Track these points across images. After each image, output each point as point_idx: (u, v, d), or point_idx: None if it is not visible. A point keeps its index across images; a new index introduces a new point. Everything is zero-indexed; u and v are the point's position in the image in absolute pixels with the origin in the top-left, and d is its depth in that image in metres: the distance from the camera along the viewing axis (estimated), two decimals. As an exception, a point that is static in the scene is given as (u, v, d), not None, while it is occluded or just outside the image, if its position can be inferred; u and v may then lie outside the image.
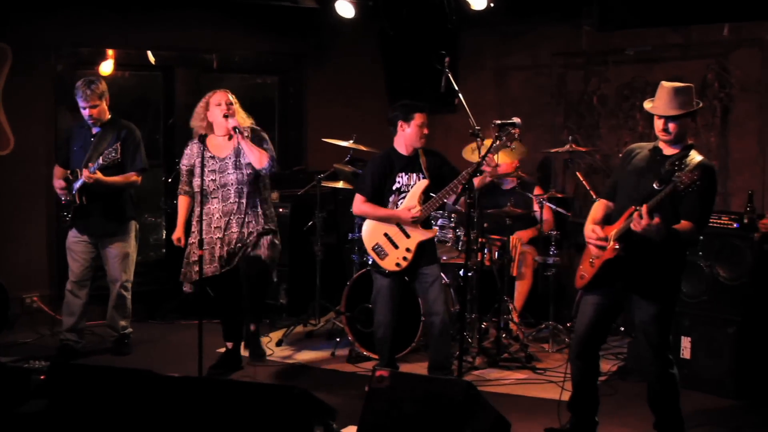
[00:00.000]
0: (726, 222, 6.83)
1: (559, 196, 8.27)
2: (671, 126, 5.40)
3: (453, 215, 7.80)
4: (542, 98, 9.63)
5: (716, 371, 6.76)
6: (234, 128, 6.76)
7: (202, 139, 6.61)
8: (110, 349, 7.87)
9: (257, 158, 6.80)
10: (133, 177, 7.60)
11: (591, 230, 5.55)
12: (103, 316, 7.96)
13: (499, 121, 6.54)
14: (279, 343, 8.22)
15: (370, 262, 7.07)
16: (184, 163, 7.14)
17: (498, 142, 6.51)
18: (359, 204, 6.87)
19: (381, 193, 6.83)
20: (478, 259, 7.65)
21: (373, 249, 6.84)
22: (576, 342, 5.75)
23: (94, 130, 7.59)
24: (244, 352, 7.44)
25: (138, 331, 8.23)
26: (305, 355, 7.97)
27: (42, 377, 6.16)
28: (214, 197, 6.94)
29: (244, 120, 7.01)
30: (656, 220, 5.06)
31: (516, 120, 6.52)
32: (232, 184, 6.91)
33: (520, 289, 8.42)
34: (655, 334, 5.47)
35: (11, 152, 8.21)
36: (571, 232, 9.26)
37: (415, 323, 7.37)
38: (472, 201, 6.49)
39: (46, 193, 8.32)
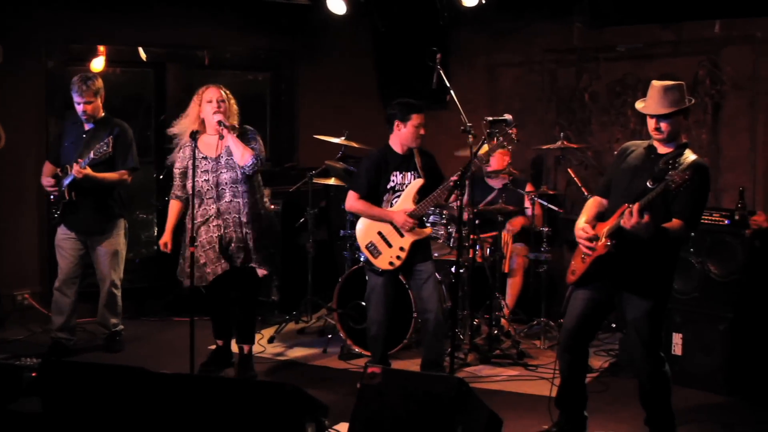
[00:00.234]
0: (717, 219, 6.84)
1: (551, 192, 8.27)
2: (663, 125, 5.39)
3: (445, 212, 7.80)
4: (534, 95, 9.63)
5: (707, 368, 6.77)
6: (218, 122, 6.65)
7: (194, 136, 6.51)
8: (102, 347, 7.86)
9: (240, 154, 6.64)
10: (124, 175, 7.57)
11: (581, 229, 5.55)
12: (94, 313, 7.94)
13: (490, 118, 6.54)
14: (271, 340, 8.22)
15: (363, 260, 7.06)
16: (177, 166, 6.98)
17: (494, 141, 6.51)
18: (353, 201, 6.86)
19: (376, 191, 6.82)
20: (470, 256, 7.65)
21: (367, 247, 6.83)
22: (565, 335, 5.74)
23: (87, 127, 7.57)
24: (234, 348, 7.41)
25: (130, 328, 8.22)
26: (297, 352, 7.97)
27: (33, 375, 6.17)
28: (209, 197, 6.79)
29: (234, 120, 6.85)
30: (646, 218, 5.07)
31: (507, 117, 6.52)
32: (226, 183, 6.76)
33: (512, 286, 8.43)
34: (647, 331, 5.47)
35: (2, 149, 8.17)
36: (563, 229, 9.27)
37: (407, 320, 7.38)
38: (464, 198, 6.48)
39: (37, 190, 8.30)
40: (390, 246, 6.77)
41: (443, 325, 6.87)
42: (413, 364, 7.17)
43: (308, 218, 8.74)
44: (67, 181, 7.38)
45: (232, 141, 6.67)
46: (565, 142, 8.20)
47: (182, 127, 6.86)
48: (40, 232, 8.79)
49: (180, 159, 6.94)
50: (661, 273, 5.47)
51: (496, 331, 7.83)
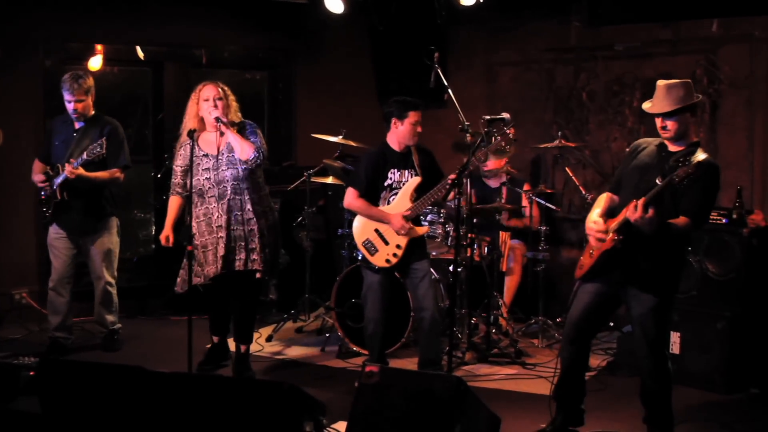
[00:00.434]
0: (715, 217, 6.85)
1: (548, 191, 8.27)
2: (669, 123, 5.36)
3: (442, 211, 7.80)
4: (531, 94, 9.63)
5: (705, 366, 6.77)
6: (216, 118, 6.60)
7: (191, 134, 6.49)
8: (100, 346, 7.85)
9: (241, 149, 6.59)
10: (116, 173, 7.53)
11: (593, 222, 5.53)
12: (91, 312, 7.92)
13: (488, 117, 6.54)
14: (269, 339, 8.22)
15: (360, 258, 7.05)
16: (178, 164, 6.91)
17: (492, 141, 6.51)
18: (352, 199, 6.84)
19: (374, 189, 6.82)
20: (468, 255, 7.64)
21: (363, 245, 6.83)
22: (569, 327, 5.77)
23: (77, 125, 7.53)
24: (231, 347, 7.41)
25: (127, 327, 8.22)
26: (295, 351, 7.97)
27: (31, 374, 6.17)
28: (211, 196, 6.73)
29: (234, 116, 6.81)
30: (650, 212, 5.07)
31: (505, 115, 6.52)
32: (227, 180, 6.69)
33: (510, 285, 8.43)
34: (652, 328, 5.47)
35: (0, 147, 8.17)
36: (561, 228, 9.28)
37: (405, 319, 7.38)
38: (462, 197, 6.49)
39: (34, 189, 8.28)
40: (387, 243, 6.77)
41: (440, 324, 6.87)
42: (411, 363, 7.17)
43: (306, 217, 8.74)
44: (58, 181, 7.35)
45: (232, 137, 6.63)
46: (562, 141, 8.21)
47: (184, 126, 6.82)
48: (37, 230, 8.78)
49: (181, 157, 6.87)
50: (667, 270, 5.47)
51: (493, 330, 7.83)
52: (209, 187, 6.72)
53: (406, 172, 6.83)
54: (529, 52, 9.64)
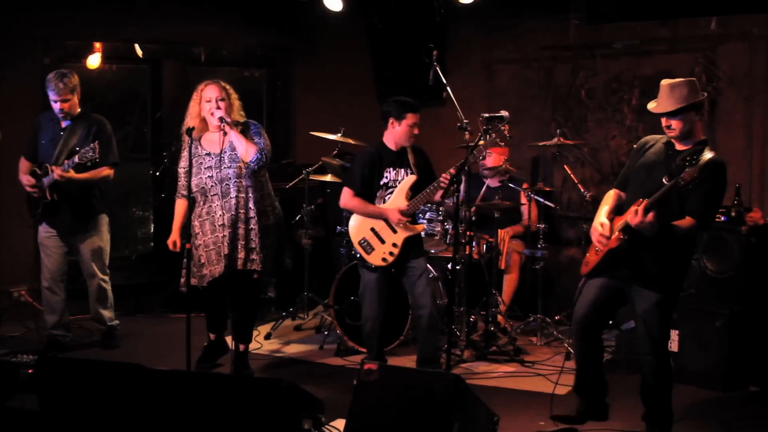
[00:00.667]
0: (713, 215, 6.85)
1: (547, 189, 8.27)
2: (673, 123, 5.36)
3: (441, 209, 7.80)
4: (530, 91, 9.63)
5: (704, 364, 6.78)
6: (220, 118, 6.56)
7: (189, 132, 6.47)
8: (98, 343, 7.85)
9: (244, 150, 6.55)
10: (105, 171, 7.48)
11: (600, 224, 5.55)
12: (88, 309, 7.90)
13: (486, 114, 6.54)
14: (267, 337, 8.22)
15: (357, 257, 7.05)
16: (182, 165, 6.83)
17: (487, 137, 6.52)
18: (348, 198, 6.85)
19: (370, 188, 6.82)
20: (467, 253, 7.64)
21: (360, 244, 6.83)
22: (576, 323, 5.79)
23: (64, 124, 7.48)
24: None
25: (126, 325, 8.22)
26: (294, 349, 7.97)
27: (30, 371, 6.16)
28: (214, 194, 6.67)
29: (237, 115, 6.75)
30: (649, 217, 5.11)
31: (504, 113, 6.53)
32: (230, 178, 6.63)
33: (508, 283, 8.44)
34: (656, 324, 5.48)
35: (-2, 145, 8.18)
36: (559, 226, 9.28)
37: (404, 316, 7.38)
38: (460, 194, 6.49)
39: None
40: (383, 242, 6.77)
41: (437, 321, 6.88)
42: (410, 361, 7.17)
43: (305, 215, 8.73)
44: (47, 182, 7.31)
45: (235, 137, 6.58)
46: (561, 139, 8.20)
47: (185, 126, 6.73)
48: (35, 228, 8.77)
49: (184, 158, 6.78)
50: (672, 268, 5.48)
51: (492, 328, 7.83)
52: (212, 185, 6.68)
53: (402, 170, 6.83)
54: (528, 50, 9.64)
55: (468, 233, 7.58)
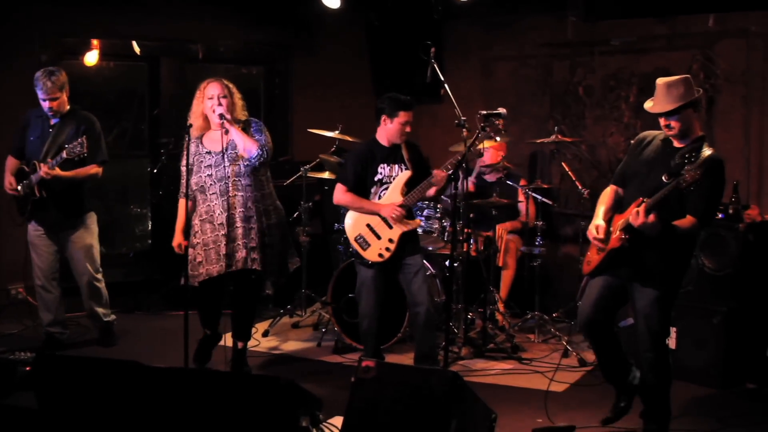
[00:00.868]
0: (711, 213, 6.85)
1: (545, 186, 8.28)
2: (672, 122, 5.37)
3: (439, 206, 7.81)
4: (528, 89, 9.63)
5: (701, 361, 6.79)
6: (220, 115, 6.53)
7: (188, 130, 6.45)
8: (96, 340, 7.84)
9: (243, 146, 6.52)
10: (93, 169, 7.45)
11: (596, 227, 5.58)
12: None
13: (484, 112, 6.54)
14: (265, 334, 8.22)
15: (353, 253, 7.03)
16: (184, 164, 6.75)
17: (482, 134, 6.52)
18: (340, 193, 6.84)
19: (363, 183, 6.81)
20: (464, 250, 7.65)
21: (356, 240, 6.83)
22: (582, 325, 5.80)
23: (53, 121, 7.45)
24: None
25: (124, 322, 8.21)
26: (291, 346, 7.97)
27: (27, 369, 6.17)
28: (213, 193, 6.64)
29: (239, 114, 6.73)
30: (651, 218, 5.13)
31: (501, 110, 6.52)
32: (229, 177, 6.60)
33: (506, 280, 8.44)
34: (656, 320, 5.50)
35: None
36: (557, 223, 9.29)
37: (401, 314, 7.38)
38: (457, 191, 6.49)
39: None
40: (379, 238, 6.76)
41: (434, 318, 6.87)
42: (408, 358, 7.18)
43: (302, 212, 8.73)
44: (35, 179, 7.28)
45: (236, 134, 6.55)
46: (559, 136, 8.20)
47: (192, 121, 6.71)
48: (25, 227, 8.76)
49: (185, 156, 6.71)
50: (672, 265, 5.50)
51: (490, 325, 7.84)
52: (211, 184, 6.65)
53: (396, 166, 6.82)
54: (526, 47, 9.64)
55: (466, 230, 7.58)
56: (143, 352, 7.37)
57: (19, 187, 7.42)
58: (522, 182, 8.56)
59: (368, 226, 6.79)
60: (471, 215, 7.83)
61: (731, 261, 6.76)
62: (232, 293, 6.87)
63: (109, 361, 5.13)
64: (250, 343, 7.35)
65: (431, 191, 6.72)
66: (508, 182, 8.45)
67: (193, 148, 6.61)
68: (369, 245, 6.77)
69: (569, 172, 8.39)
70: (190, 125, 6.51)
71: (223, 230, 6.60)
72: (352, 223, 6.87)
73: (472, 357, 7.53)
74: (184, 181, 6.80)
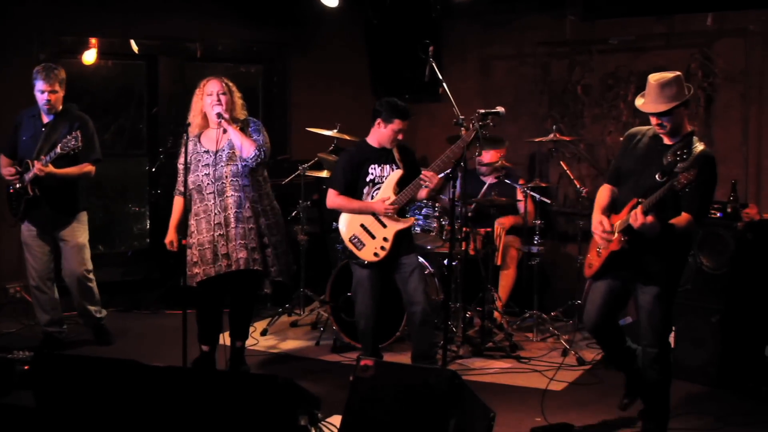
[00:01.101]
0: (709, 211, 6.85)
1: (543, 185, 8.28)
2: (665, 121, 5.41)
3: (437, 205, 7.80)
4: (526, 87, 9.62)
5: (700, 360, 6.79)
6: (218, 114, 6.53)
7: (186, 129, 6.44)
8: (94, 340, 7.82)
9: (242, 147, 6.50)
10: (86, 168, 7.45)
11: (598, 222, 5.61)
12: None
13: (482, 111, 6.54)
14: (263, 333, 8.22)
15: (348, 254, 7.00)
16: (180, 161, 6.75)
17: (470, 127, 6.51)
18: (332, 197, 6.83)
19: (354, 186, 6.79)
20: (463, 249, 7.65)
21: (350, 240, 6.81)
22: (589, 329, 5.91)
23: (46, 119, 7.44)
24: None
25: (122, 321, 8.22)
26: (290, 345, 7.97)
27: (26, 368, 6.16)
28: (210, 192, 6.61)
29: (239, 113, 6.73)
30: (649, 218, 5.19)
31: (500, 109, 6.52)
32: (226, 176, 6.58)
33: (505, 279, 8.44)
34: (659, 316, 5.54)
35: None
36: (555, 222, 9.29)
37: (400, 313, 7.37)
38: (456, 191, 6.49)
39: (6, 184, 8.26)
40: (373, 237, 6.75)
41: (431, 317, 6.87)
42: (406, 357, 7.17)
43: (300, 211, 8.73)
44: (28, 177, 7.29)
45: (233, 133, 6.53)
46: (557, 135, 8.20)
47: (190, 121, 6.70)
48: (18, 227, 8.75)
49: (183, 154, 6.70)
50: (672, 262, 5.55)
51: (488, 324, 7.83)
52: (208, 183, 6.62)
53: (387, 166, 6.80)
54: (524, 46, 9.64)
55: (464, 229, 7.58)
56: (141, 351, 7.37)
57: (17, 183, 7.41)
58: (520, 181, 8.55)
59: (362, 226, 6.77)
60: (469, 214, 7.82)
61: (730, 260, 6.76)
62: (231, 293, 6.86)
63: (108, 360, 5.13)
64: (249, 342, 7.36)
65: (423, 192, 6.70)
66: (506, 181, 8.45)
67: (191, 146, 6.60)
68: (364, 245, 6.76)
69: (568, 171, 8.39)
70: (189, 124, 6.50)
71: (219, 230, 6.59)
72: (346, 225, 6.85)
73: (470, 356, 7.53)
74: (181, 179, 6.76)
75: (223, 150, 6.61)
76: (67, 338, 7.76)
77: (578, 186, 8.20)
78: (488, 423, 4.99)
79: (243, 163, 6.59)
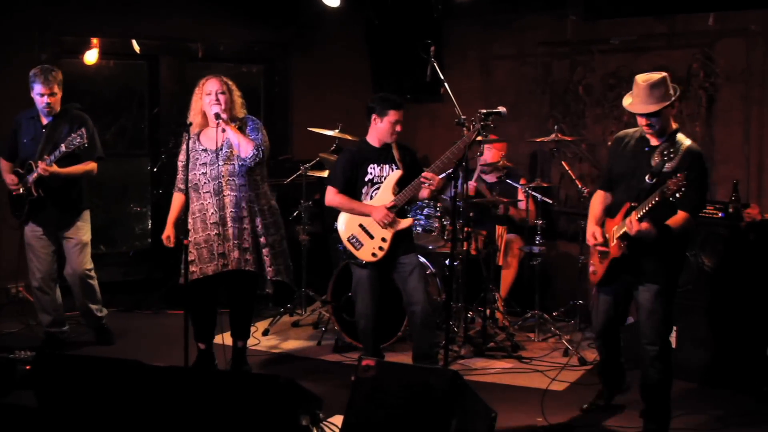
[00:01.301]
0: (711, 211, 6.85)
1: (545, 185, 8.28)
2: (654, 121, 5.51)
3: (439, 205, 7.80)
4: (527, 87, 9.62)
5: (701, 360, 6.78)
6: (215, 114, 6.50)
7: (187, 128, 6.44)
8: (95, 340, 7.82)
9: (240, 146, 6.49)
10: (89, 166, 7.46)
11: (591, 234, 5.76)
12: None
13: (484, 111, 6.54)
14: (265, 333, 8.22)
15: (347, 254, 6.99)
16: (180, 158, 6.76)
17: (471, 128, 6.52)
18: (331, 196, 6.82)
19: (353, 185, 6.79)
20: (464, 248, 7.65)
21: (349, 240, 6.80)
22: (597, 335, 6.15)
23: (45, 121, 7.44)
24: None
25: (124, 321, 8.21)
26: (291, 345, 7.97)
27: (27, 368, 6.16)
28: (206, 191, 6.62)
29: (238, 112, 6.71)
30: (644, 225, 5.31)
31: (501, 109, 6.52)
32: (223, 176, 6.58)
33: (506, 279, 8.44)
34: (659, 314, 5.61)
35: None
36: (557, 222, 9.28)
37: (401, 313, 7.36)
38: (457, 190, 6.49)
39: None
40: (372, 237, 6.74)
41: (431, 316, 6.86)
42: (408, 357, 7.15)
43: (302, 211, 8.73)
44: (31, 178, 7.28)
45: (231, 133, 6.52)
46: (559, 135, 8.19)
47: (190, 120, 6.69)
48: (21, 229, 8.74)
49: (183, 152, 6.71)
50: (671, 260, 5.62)
51: (490, 323, 7.83)
52: (204, 182, 6.62)
53: (386, 166, 6.79)
54: (525, 46, 9.64)
55: (465, 229, 7.58)
56: (143, 351, 7.37)
57: (20, 188, 7.41)
58: (522, 181, 8.55)
59: (361, 226, 6.76)
60: (471, 214, 7.82)
61: (731, 260, 6.75)
62: (229, 293, 6.87)
63: (109, 360, 5.14)
64: (250, 341, 7.36)
65: (424, 193, 6.70)
66: (508, 181, 8.46)
67: (190, 144, 6.59)
68: (362, 245, 6.75)
69: (569, 171, 8.39)
70: (191, 123, 6.49)
71: (215, 229, 6.60)
72: (345, 224, 6.84)
73: (472, 356, 7.52)
74: (180, 176, 6.79)
75: (222, 149, 6.61)
76: (68, 338, 7.76)
77: (580, 186, 8.20)
78: (490, 423, 4.99)
79: (241, 163, 6.58)
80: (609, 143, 8.53)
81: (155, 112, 9.84)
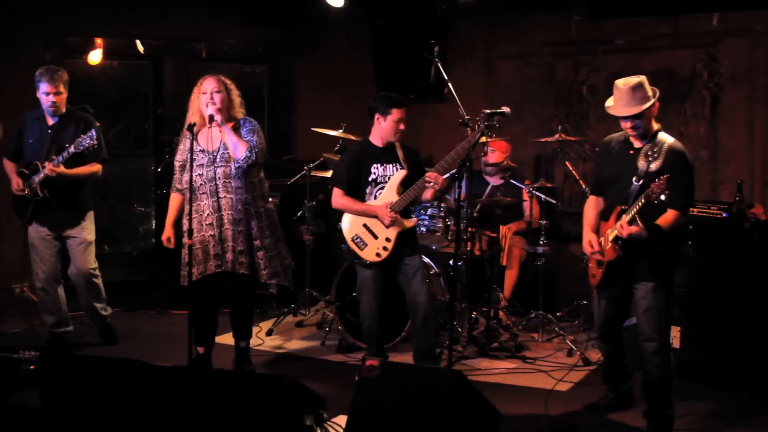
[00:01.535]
0: (715, 212, 6.85)
1: (549, 185, 8.27)
2: (638, 123, 5.61)
3: (443, 205, 7.80)
4: (531, 88, 9.62)
5: (706, 360, 6.77)
6: (209, 116, 6.47)
7: (191, 128, 6.43)
8: (100, 340, 7.83)
9: (234, 148, 6.46)
10: (95, 167, 7.48)
11: (588, 242, 5.85)
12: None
13: (488, 111, 6.54)
14: (269, 333, 8.22)
15: (352, 254, 6.99)
16: (178, 158, 6.79)
17: (476, 127, 6.52)
18: (338, 198, 6.82)
19: (357, 186, 6.79)
20: (468, 249, 7.64)
21: (353, 240, 6.79)
22: (599, 337, 6.17)
23: (51, 122, 7.45)
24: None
25: (128, 321, 8.22)
26: (295, 345, 7.97)
27: (32, 368, 6.17)
28: (203, 193, 6.60)
29: (237, 112, 6.71)
30: (635, 228, 5.42)
31: (505, 109, 6.51)
32: (219, 178, 6.56)
33: (510, 279, 8.43)
34: (655, 311, 5.64)
35: (0, 140, 8.16)
36: (561, 222, 9.28)
37: (405, 313, 7.34)
38: (462, 191, 6.48)
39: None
40: (376, 237, 6.73)
41: (433, 317, 6.85)
42: (412, 357, 7.16)
43: (306, 211, 8.74)
44: (37, 179, 7.29)
45: (227, 134, 6.51)
46: (562, 135, 8.19)
47: (187, 121, 6.65)
48: (25, 229, 8.75)
49: (180, 151, 6.75)
50: (664, 256, 5.66)
51: (494, 324, 7.83)
52: (201, 184, 6.61)
53: (390, 166, 6.78)
54: (529, 46, 9.64)
55: (470, 229, 7.58)
56: (147, 351, 7.38)
57: (26, 190, 7.42)
58: (526, 182, 8.54)
59: (365, 225, 6.76)
60: (475, 215, 7.82)
61: (735, 260, 6.75)
62: (229, 293, 6.89)
63: (113, 360, 5.14)
64: (254, 342, 7.37)
65: (428, 193, 6.69)
66: (512, 181, 8.45)
67: (188, 144, 6.56)
68: (366, 245, 6.75)
69: (573, 172, 8.38)
70: (193, 124, 6.46)
71: (211, 231, 6.59)
72: (349, 224, 6.84)
73: (476, 356, 7.52)
74: (177, 176, 6.81)
75: (219, 150, 6.60)
76: (72, 338, 7.77)
77: (584, 186, 8.19)
78: (494, 423, 4.99)
79: (235, 165, 6.56)
80: (597, 149, 8.64)
81: (159, 112, 9.85)
